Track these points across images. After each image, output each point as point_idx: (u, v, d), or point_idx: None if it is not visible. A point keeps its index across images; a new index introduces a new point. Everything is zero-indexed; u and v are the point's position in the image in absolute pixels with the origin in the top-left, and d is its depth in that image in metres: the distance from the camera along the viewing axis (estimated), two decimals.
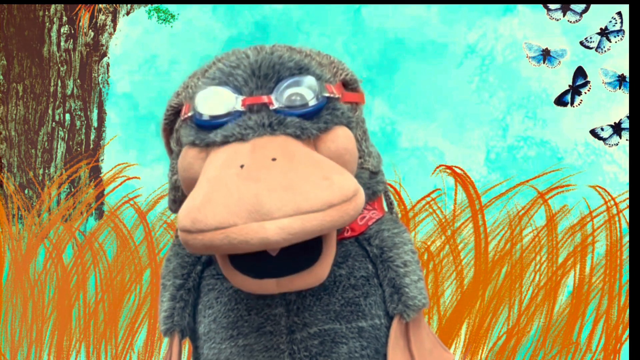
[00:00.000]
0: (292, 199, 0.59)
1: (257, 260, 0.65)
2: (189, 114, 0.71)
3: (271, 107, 0.68)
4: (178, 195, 0.79)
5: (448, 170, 1.61)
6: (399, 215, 0.84)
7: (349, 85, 0.77)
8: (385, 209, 0.82)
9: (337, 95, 0.71)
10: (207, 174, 0.65)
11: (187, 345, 0.82)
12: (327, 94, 0.70)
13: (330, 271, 0.71)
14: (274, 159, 0.63)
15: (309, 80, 0.70)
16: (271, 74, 0.70)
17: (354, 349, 0.73)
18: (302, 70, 0.71)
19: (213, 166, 0.66)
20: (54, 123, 1.70)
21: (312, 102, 0.69)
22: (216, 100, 0.69)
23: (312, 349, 0.72)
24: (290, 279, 0.65)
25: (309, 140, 0.68)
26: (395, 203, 0.85)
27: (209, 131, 0.69)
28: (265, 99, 0.68)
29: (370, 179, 0.77)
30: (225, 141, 0.67)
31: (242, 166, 0.63)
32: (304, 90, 0.69)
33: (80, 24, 1.70)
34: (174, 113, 0.77)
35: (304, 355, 0.72)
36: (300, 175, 0.62)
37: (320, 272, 0.67)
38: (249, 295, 0.73)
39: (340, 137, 0.70)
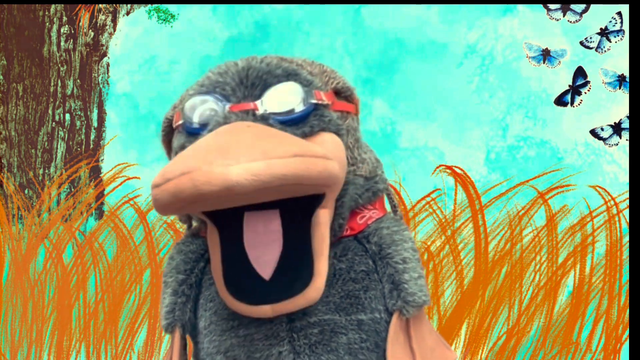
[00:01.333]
0: (260, 148, 0.59)
1: (252, 286, 0.67)
2: (180, 122, 0.73)
3: (257, 113, 0.68)
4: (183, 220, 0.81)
5: (448, 170, 1.61)
6: (402, 217, 0.85)
7: (340, 93, 0.77)
8: (388, 209, 0.82)
9: (326, 102, 0.72)
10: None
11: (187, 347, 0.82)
12: (314, 101, 0.70)
13: (330, 264, 0.72)
14: (248, 126, 0.64)
15: (295, 87, 0.70)
16: (258, 82, 0.70)
17: (354, 340, 0.73)
18: (289, 77, 0.71)
19: None
20: (54, 123, 1.70)
21: (299, 108, 0.69)
22: (203, 108, 0.70)
23: (311, 337, 0.72)
24: (284, 303, 0.67)
25: None
26: (398, 204, 0.85)
27: (198, 136, 0.69)
28: (251, 105, 0.69)
29: (367, 182, 0.77)
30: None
31: (216, 132, 0.64)
32: (290, 97, 0.69)
33: (80, 24, 1.70)
34: (170, 125, 0.78)
35: (304, 343, 0.72)
36: (270, 134, 0.63)
37: (313, 294, 0.68)
38: None
39: (327, 142, 0.70)
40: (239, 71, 0.71)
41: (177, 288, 0.77)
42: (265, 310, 0.68)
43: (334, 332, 0.73)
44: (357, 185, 0.76)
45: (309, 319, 0.72)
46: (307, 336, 0.72)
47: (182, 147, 0.70)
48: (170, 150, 0.79)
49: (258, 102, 0.69)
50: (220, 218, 0.69)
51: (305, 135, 0.69)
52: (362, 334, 0.74)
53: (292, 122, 0.69)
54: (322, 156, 0.63)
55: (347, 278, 0.74)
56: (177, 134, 0.74)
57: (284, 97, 0.69)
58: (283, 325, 0.72)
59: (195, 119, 0.71)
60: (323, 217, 0.69)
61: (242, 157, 0.58)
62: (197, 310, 0.78)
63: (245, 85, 0.70)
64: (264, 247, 0.68)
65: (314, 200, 0.68)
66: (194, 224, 0.82)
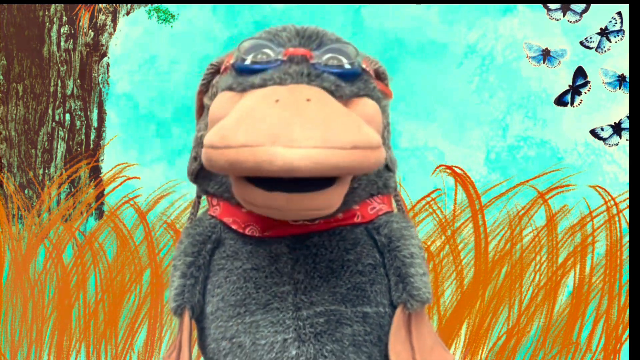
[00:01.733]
0: (321, 133, 0.60)
1: (271, 178, 0.64)
2: (231, 62, 0.74)
3: (311, 61, 0.70)
4: (195, 165, 0.80)
5: (448, 170, 1.61)
6: (409, 219, 0.86)
7: (379, 76, 0.79)
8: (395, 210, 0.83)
9: (371, 72, 0.75)
10: (241, 105, 0.66)
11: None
12: (363, 66, 0.73)
13: (339, 255, 0.73)
14: (308, 100, 0.64)
15: (349, 48, 0.73)
16: (314, 37, 0.73)
17: (358, 332, 0.74)
18: (342, 42, 0.74)
19: (248, 99, 0.67)
20: (54, 123, 1.70)
21: (349, 67, 0.71)
22: (259, 49, 0.72)
23: (317, 326, 0.73)
24: (301, 196, 0.64)
25: (341, 100, 0.69)
26: (406, 207, 0.87)
27: (248, 76, 0.70)
28: (306, 52, 0.71)
29: (387, 171, 0.79)
30: (263, 84, 0.69)
31: (277, 101, 0.64)
32: (343, 56, 0.72)
33: (80, 24, 1.70)
34: (214, 72, 0.79)
35: (309, 332, 0.73)
36: (332, 116, 0.63)
37: (332, 197, 0.66)
38: (258, 274, 0.74)
39: (370, 106, 0.72)
40: (297, 28, 0.74)
41: (186, 270, 0.78)
42: (281, 199, 0.64)
43: (340, 322, 0.73)
44: (378, 170, 0.77)
45: (316, 308, 0.73)
46: (312, 325, 0.73)
47: (230, 88, 0.71)
48: (201, 105, 0.80)
49: (313, 52, 0.71)
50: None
51: (354, 95, 0.71)
52: (366, 327, 0.74)
53: (345, 77, 0.71)
54: (377, 146, 0.64)
55: (355, 270, 0.75)
56: (224, 76, 0.75)
57: (337, 54, 0.72)
58: (289, 313, 0.73)
59: (249, 58, 0.71)
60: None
61: (305, 140, 0.59)
62: (204, 295, 0.78)
63: (302, 37, 0.73)
64: None
65: None
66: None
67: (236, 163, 0.60)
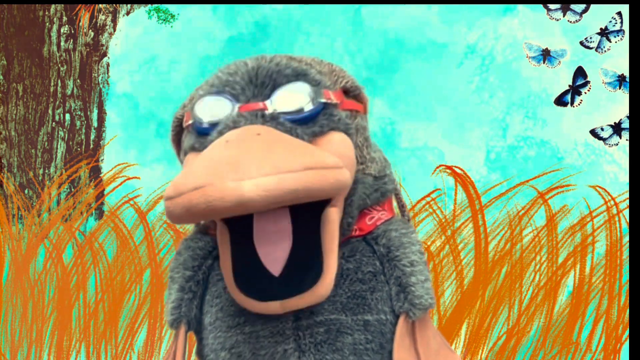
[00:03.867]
0: (271, 161, 0.60)
1: (261, 283, 0.67)
2: (190, 122, 0.73)
3: (266, 112, 0.69)
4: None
5: (448, 170, 1.61)
6: (410, 218, 0.85)
7: (349, 92, 0.77)
8: (397, 211, 0.82)
9: (335, 102, 0.72)
10: (196, 158, 0.67)
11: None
12: (323, 100, 0.71)
13: (339, 264, 0.72)
14: (259, 134, 0.64)
15: (305, 86, 0.70)
16: (267, 81, 0.71)
17: (359, 341, 0.73)
18: (299, 77, 0.71)
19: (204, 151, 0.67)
20: (54, 123, 1.70)
21: (308, 108, 0.70)
22: (213, 108, 0.71)
23: (317, 336, 0.72)
24: (293, 300, 0.67)
25: None
26: (407, 206, 0.85)
27: (207, 135, 0.70)
28: (260, 104, 0.69)
29: (376, 181, 0.77)
30: (220, 136, 0.68)
31: (227, 142, 0.64)
32: (299, 96, 0.70)
33: (80, 24, 1.70)
34: (179, 125, 0.79)
35: (309, 342, 0.72)
36: (282, 144, 0.63)
37: (322, 291, 0.68)
38: None
39: (336, 142, 0.70)
40: (249, 71, 0.71)
41: (184, 284, 0.77)
42: (274, 306, 0.67)
43: (340, 332, 0.73)
44: (366, 185, 0.76)
45: (316, 318, 0.72)
46: (312, 335, 0.72)
47: (192, 148, 0.72)
48: (179, 150, 0.80)
49: (267, 102, 0.69)
50: (230, 219, 0.69)
51: (315, 135, 0.69)
52: (367, 335, 0.74)
53: (302, 121, 0.69)
54: (333, 166, 0.63)
55: (355, 278, 0.74)
56: (187, 133, 0.75)
57: (293, 97, 0.70)
58: (289, 323, 0.72)
59: (205, 119, 0.71)
60: (332, 215, 0.69)
61: (254, 171, 0.59)
62: (202, 306, 0.78)
63: (254, 85, 0.71)
64: (274, 245, 0.68)
65: (323, 200, 0.68)
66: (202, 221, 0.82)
67: (189, 207, 0.60)
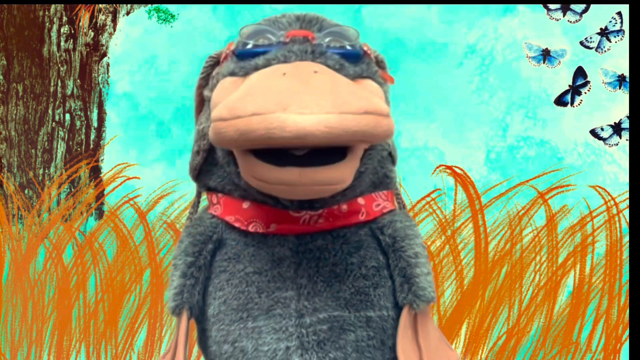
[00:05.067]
0: (332, 99, 0.59)
1: (283, 155, 0.64)
2: (232, 49, 0.73)
3: (313, 42, 0.70)
4: (198, 160, 0.78)
5: (448, 170, 1.61)
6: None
7: (380, 64, 0.79)
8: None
9: (370, 56, 0.74)
10: (247, 82, 0.66)
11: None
12: (364, 48, 0.73)
13: (342, 259, 0.73)
14: (315, 72, 0.64)
15: (350, 30, 0.73)
16: (314, 21, 0.73)
17: (361, 337, 0.73)
18: (343, 26, 0.74)
19: (253, 77, 0.66)
20: (54, 123, 1.70)
21: (350, 48, 0.71)
22: (261, 33, 0.71)
23: (320, 333, 0.72)
24: (313, 170, 0.63)
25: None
26: (406, 206, 0.86)
27: (251, 59, 0.69)
28: (309, 34, 0.70)
29: (388, 162, 0.78)
30: (267, 65, 0.68)
31: (284, 74, 0.63)
32: (345, 38, 0.72)
33: (80, 24, 1.70)
34: (213, 64, 0.78)
35: (312, 339, 0.72)
36: (340, 85, 0.63)
37: (344, 170, 0.65)
38: (261, 277, 0.73)
39: (375, 87, 0.71)
40: (296, 13, 0.74)
41: (186, 270, 0.76)
42: (293, 173, 0.62)
43: (343, 329, 0.73)
44: (384, 153, 0.77)
45: (319, 315, 0.72)
46: (316, 332, 0.72)
47: (232, 73, 0.71)
48: (201, 100, 0.79)
49: (315, 34, 0.71)
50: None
51: (358, 76, 0.70)
52: (369, 331, 0.74)
53: (350, 57, 0.70)
54: (387, 114, 0.63)
55: (358, 274, 0.74)
56: (225, 63, 0.74)
57: (339, 36, 0.72)
58: (292, 320, 0.72)
59: (252, 41, 0.71)
60: (358, 148, 0.68)
61: (316, 106, 0.58)
62: (205, 296, 0.77)
63: (302, 21, 0.73)
64: None
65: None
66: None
67: (247, 132, 0.59)
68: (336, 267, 0.73)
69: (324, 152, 0.63)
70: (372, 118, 0.60)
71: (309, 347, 0.72)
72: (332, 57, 0.69)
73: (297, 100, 0.58)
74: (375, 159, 0.75)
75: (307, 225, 0.74)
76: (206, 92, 0.78)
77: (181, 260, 0.77)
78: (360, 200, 0.76)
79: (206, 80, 0.78)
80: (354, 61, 0.71)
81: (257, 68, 0.68)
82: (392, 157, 0.80)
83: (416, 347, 0.75)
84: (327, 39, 0.71)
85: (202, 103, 0.80)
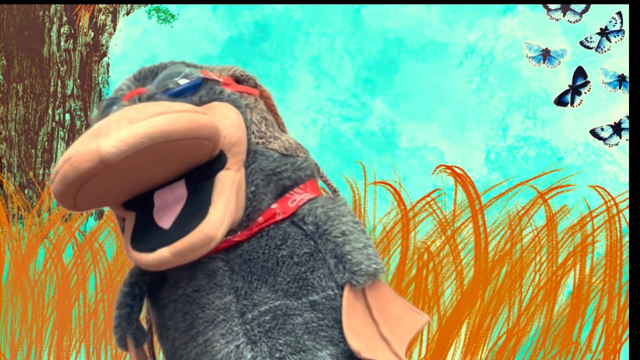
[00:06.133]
0: (125, 118, 0.64)
1: (154, 237, 0.69)
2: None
3: (144, 95, 0.74)
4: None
5: (448, 170, 1.61)
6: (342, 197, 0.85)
7: (240, 80, 0.81)
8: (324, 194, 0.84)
9: (216, 79, 0.77)
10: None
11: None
12: (202, 76, 0.76)
13: (272, 254, 0.75)
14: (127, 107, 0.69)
15: (180, 67, 0.76)
16: (149, 74, 0.77)
17: (310, 319, 0.74)
18: (176, 64, 0.77)
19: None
20: (54, 123, 1.70)
21: (183, 82, 0.74)
22: (110, 103, 0.77)
23: (264, 324, 0.73)
24: (180, 242, 0.67)
25: None
26: (339, 190, 0.86)
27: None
28: (140, 90, 0.75)
29: (285, 158, 0.79)
30: None
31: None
32: (176, 76, 0.75)
33: (80, 24, 1.70)
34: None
35: (258, 332, 0.73)
36: (143, 105, 0.67)
37: (207, 228, 0.67)
38: (200, 294, 0.75)
39: (218, 107, 0.74)
40: (135, 73, 0.78)
41: (121, 300, 0.83)
42: (163, 253, 0.67)
43: (287, 315, 0.74)
44: (270, 159, 0.77)
45: (259, 308, 0.74)
46: (260, 324, 0.73)
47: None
48: None
49: (148, 87, 0.75)
50: (136, 206, 0.72)
51: (201, 103, 0.73)
52: (317, 313, 0.74)
53: (178, 94, 0.73)
54: (190, 110, 0.66)
55: (291, 263, 0.75)
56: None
57: (167, 79, 0.75)
58: (235, 320, 0.74)
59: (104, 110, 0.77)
60: (225, 176, 0.71)
61: (111, 130, 0.62)
62: (162, 330, 0.82)
63: (138, 80, 0.78)
64: (169, 208, 0.70)
65: (216, 164, 0.71)
66: None
67: (63, 180, 0.64)
68: (267, 263, 0.75)
69: (190, 214, 0.67)
70: (165, 117, 0.63)
71: (257, 340, 0.73)
72: (160, 99, 0.73)
73: (95, 133, 0.63)
74: (263, 172, 0.77)
75: (229, 241, 0.75)
76: None
77: (119, 292, 0.83)
78: (273, 205, 0.77)
79: None
80: (193, 92, 0.74)
81: None
82: (284, 154, 0.80)
83: (371, 322, 0.74)
84: (157, 85, 0.75)
85: None
